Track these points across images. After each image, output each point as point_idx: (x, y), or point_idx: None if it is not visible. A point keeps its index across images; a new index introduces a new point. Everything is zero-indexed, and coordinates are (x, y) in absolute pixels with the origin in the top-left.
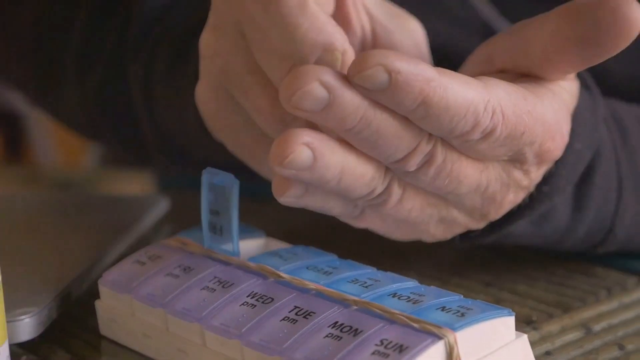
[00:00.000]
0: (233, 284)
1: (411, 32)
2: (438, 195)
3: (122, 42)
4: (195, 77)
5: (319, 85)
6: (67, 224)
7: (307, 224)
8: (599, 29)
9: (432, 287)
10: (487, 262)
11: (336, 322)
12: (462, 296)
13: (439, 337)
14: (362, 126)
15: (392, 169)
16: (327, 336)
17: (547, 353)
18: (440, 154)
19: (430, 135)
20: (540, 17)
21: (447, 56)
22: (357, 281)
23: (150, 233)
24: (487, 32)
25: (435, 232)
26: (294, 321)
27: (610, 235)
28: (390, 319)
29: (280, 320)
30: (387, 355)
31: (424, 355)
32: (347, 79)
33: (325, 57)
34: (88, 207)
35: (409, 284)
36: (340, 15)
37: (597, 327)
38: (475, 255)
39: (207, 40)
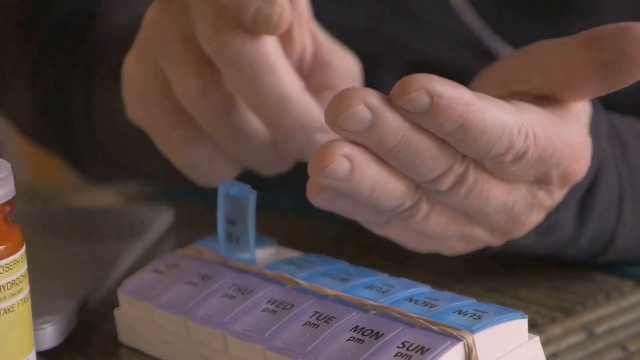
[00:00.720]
0: (252, 291)
1: (350, 62)
2: (464, 213)
3: (73, 56)
4: None
5: (364, 107)
6: (77, 236)
7: (306, 234)
8: (623, 57)
9: (445, 292)
10: (488, 268)
11: (357, 326)
12: (474, 300)
13: (458, 339)
14: (402, 147)
15: (423, 187)
16: (349, 339)
17: (554, 355)
18: (472, 175)
19: (463, 156)
20: (562, 41)
21: (438, 71)
22: (373, 287)
23: (157, 243)
24: (477, 47)
25: (456, 246)
26: (316, 326)
27: (611, 246)
28: (410, 323)
29: (302, 325)
30: (410, 357)
31: (445, 357)
32: (390, 101)
33: (264, 8)
34: (95, 219)
35: (423, 289)
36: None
37: (599, 330)
38: (475, 263)
39: (152, 13)
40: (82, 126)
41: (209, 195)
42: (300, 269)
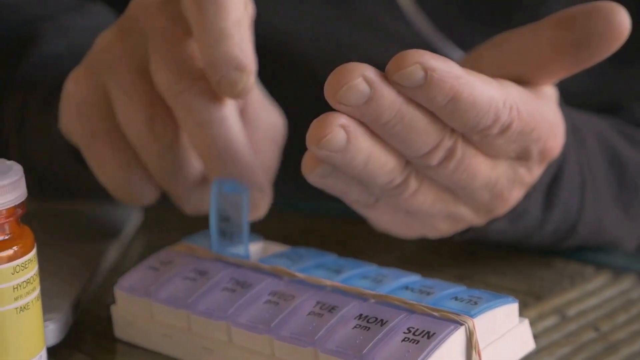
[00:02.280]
0: (251, 284)
1: (276, 118)
2: (450, 191)
3: (7, 81)
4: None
5: (362, 80)
6: (56, 237)
7: (284, 232)
8: (593, 33)
9: (435, 279)
10: (455, 257)
11: (361, 315)
12: (465, 287)
13: (460, 324)
14: (396, 120)
15: (413, 163)
16: (355, 327)
17: (533, 337)
18: (460, 149)
19: (452, 131)
20: (531, 26)
21: None
22: (367, 277)
23: (131, 243)
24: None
25: (441, 227)
26: (320, 315)
27: (574, 232)
28: (410, 310)
29: (307, 315)
30: (417, 342)
31: (450, 340)
32: (385, 76)
33: (233, 74)
34: (70, 220)
35: (414, 278)
36: None
37: (570, 313)
38: (443, 252)
39: (107, 39)
40: (15, 151)
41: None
42: (293, 262)
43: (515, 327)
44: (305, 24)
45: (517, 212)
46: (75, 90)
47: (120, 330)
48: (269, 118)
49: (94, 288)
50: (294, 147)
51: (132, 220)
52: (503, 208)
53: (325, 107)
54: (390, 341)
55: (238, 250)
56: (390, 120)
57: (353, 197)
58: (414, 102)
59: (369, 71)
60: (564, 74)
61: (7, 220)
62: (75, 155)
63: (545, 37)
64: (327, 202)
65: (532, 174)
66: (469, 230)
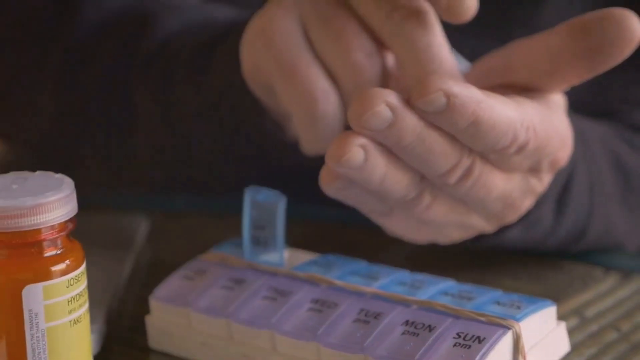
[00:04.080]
0: (291, 292)
1: None
2: (463, 203)
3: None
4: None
5: (385, 106)
6: None
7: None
8: (606, 40)
9: (469, 284)
10: (469, 262)
11: (407, 321)
12: (502, 291)
13: (507, 328)
14: (417, 143)
15: (429, 180)
16: (404, 333)
17: None
18: (478, 168)
19: (470, 151)
20: (543, 35)
21: None
22: (404, 283)
23: (143, 252)
24: None
25: (453, 235)
26: (366, 322)
27: (584, 236)
28: (455, 315)
29: (352, 322)
30: (469, 347)
31: (500, 345)
32: (407, 101)
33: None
34: (80, 229)
35: (450, 283)
36: None
37: (589, 314)
38: (453, 256)
39: None
40: (147, 126)
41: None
42: (325, 269)
43: (553, 329)
44: None
45: (530, 221)
46: (269, 23)
47: (155, 340)
48: None
49: (118, 298)
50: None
51: (142, 229)
52: (513, 216)
53: None
54: (441, 346)
55: (271, 258)
56: (411, 143)
57: (368, 207)
58: (434, 125)
59: (392, 97)
60: (575, 81)
61: (59, 234)
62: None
63: (558, 45)
64: (326, 208)
65: (543, 183)
66: (483, 238)
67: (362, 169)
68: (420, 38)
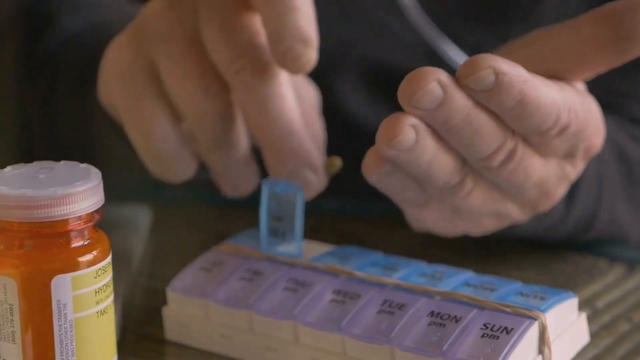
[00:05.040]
0: (311, 283)
1: (312, 93)
2: (500, 191)
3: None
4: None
5: (437, 84)
6: None
7: None
8: (637, 26)
9: (489, 275)
10: (471, 252)
11: (432, 312)
12: (521, 283)
13: (533, 319)
14: (465, 124)
15: (471, 164)
16: (430, 324)
17: None
18: (520, 150)
19: (513, 133)
20: (569, 23)
21: (394, 74)
22: (425, 274)
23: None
24: (428, 50)
25: (487, 224)
26: (391, 313)
27: (592, 226)
28: (480, 306)
29: (377, 313)
30: (497, 337)
31: (527, 336)
32: (455, 80)
33: (297, 47)
34: None
35: (469, 274)
36: None
37: (599, 305)
38: (457, 248)
39: (156, 8)
40: (41, 137)
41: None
42: (345, 260)
43: (575, 321)
44: None
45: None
46: (119, 55)
47: (172, 331)
48: (309, 89)
49: (130, 290)
50: None
51: (145, 219)
52: (548, 204)
53: (327, 104)
54: (468, 337)
55: (288, 249)
56: (459, 123)
57: (407, 196)
58: (481, 106)
59: (443, 75)
60: (602, 69)
61: (87, 225)
62: (114, 130)
63: (586, 34)
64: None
65: (577, 170)
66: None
67: (412, 150)
68: (259, 88)
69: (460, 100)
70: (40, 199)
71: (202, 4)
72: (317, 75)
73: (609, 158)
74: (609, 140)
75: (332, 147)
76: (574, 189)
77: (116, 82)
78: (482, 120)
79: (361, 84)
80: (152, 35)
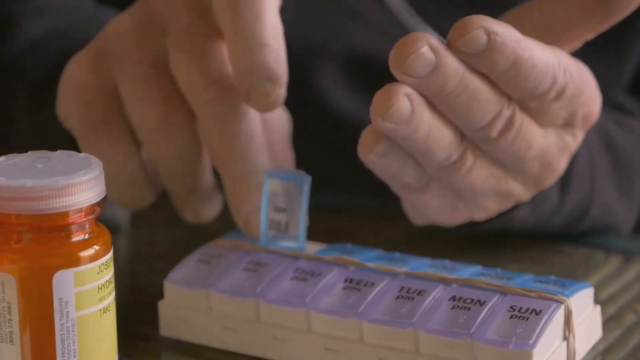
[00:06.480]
0: (322, 273)
1: (283, 117)
2: (501, 166)
3: None
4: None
5: (428, 48)
6: None
7: None
8: None
9: (498, 269)
10: (466, 246)
11: (454, 296)
12: (533, 274)
13: (560, 302)
14: (460, 90)
15: (469, 138)
16: (454, 308)
17: None
18: (518, 117)
19: (509, 100)
20: None
21: (377, 63)
22: (435, 266)
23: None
24: None
25: (490, 205)
26: (411, 299)
27: (586, 215)
28: (502, 291)
29: (396, 299)
30: (527, 319)
31: (556, 318)
32: (447, 45)
33: (266, 85)
34: None
35: (479, 268)
36: None
37: (603, 297)
38: (450, 242)
39: (121, 28)
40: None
41: None
42: (350, 254)
43: (591, 312)
44: (287, 13)
45: (538, 200)
46: (78, 75)
47: (168, 327)
48: (281, 115)
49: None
50: None
51: (125, 217)
52: (551, 179)
53: (310, 95)
54: (496, 318)
55: (290, 243)
56: (454, 90)
57: (406, 180)
58: (475, 71)
59: (432, 39)
60: (589, 35)
61: (87, 218)
62: (71, 147)
63: (572, 1)
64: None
65: (577, 140)
66: (491, 219)
67: (408, 122)
68: (228, 122)
69: (453, 64)
70: (40, 190)
71: (172, 26)
72: (299, 66)
73: (598, 145)
74: (597, 127)
75: (315, 139)
76: (568, 178)
77: (74, 103)
78: (477, 85)
79: (343, 74)
80: (114, 56)
